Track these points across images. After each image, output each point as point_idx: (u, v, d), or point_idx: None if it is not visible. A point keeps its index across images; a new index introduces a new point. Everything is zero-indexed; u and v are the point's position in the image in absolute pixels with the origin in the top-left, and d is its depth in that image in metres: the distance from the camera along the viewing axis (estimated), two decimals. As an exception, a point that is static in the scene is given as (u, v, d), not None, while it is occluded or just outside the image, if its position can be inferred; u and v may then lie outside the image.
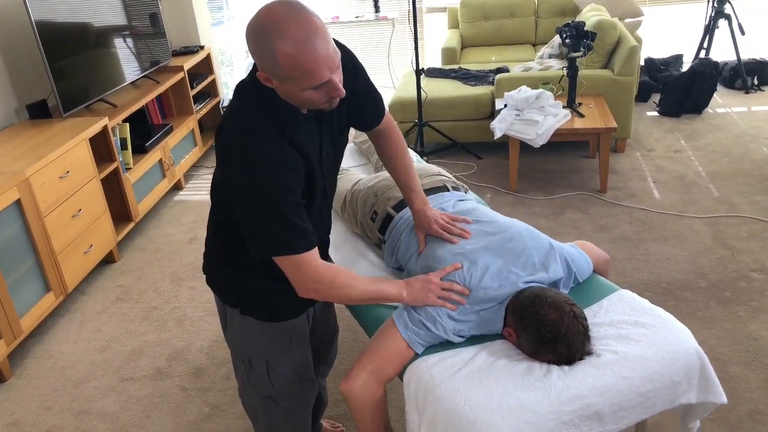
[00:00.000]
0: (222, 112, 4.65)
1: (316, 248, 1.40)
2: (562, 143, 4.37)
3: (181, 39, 4.82)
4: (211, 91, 4.90)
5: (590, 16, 4.36)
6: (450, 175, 2.13)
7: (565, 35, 3.65)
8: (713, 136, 4.35)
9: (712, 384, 1.51)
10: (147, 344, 2.72)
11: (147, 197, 3.71)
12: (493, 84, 4.28)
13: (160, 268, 3.31)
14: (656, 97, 5.02)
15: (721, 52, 5.31)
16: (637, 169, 3.95)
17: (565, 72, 3.84)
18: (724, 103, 4.94)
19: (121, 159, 3.43)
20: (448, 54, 5.15)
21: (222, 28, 6.26)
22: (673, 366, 1.45)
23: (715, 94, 4.92)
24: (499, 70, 4.58)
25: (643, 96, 5.05)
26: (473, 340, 1.59)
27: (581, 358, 1.46)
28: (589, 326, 1.52)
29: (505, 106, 3.78)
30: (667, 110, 4.76)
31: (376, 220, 1.97)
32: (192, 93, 4.42)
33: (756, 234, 3.14)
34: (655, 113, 4.85)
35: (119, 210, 3.49)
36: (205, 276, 1.64)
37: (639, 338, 1.49)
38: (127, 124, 3.54)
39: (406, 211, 1.90)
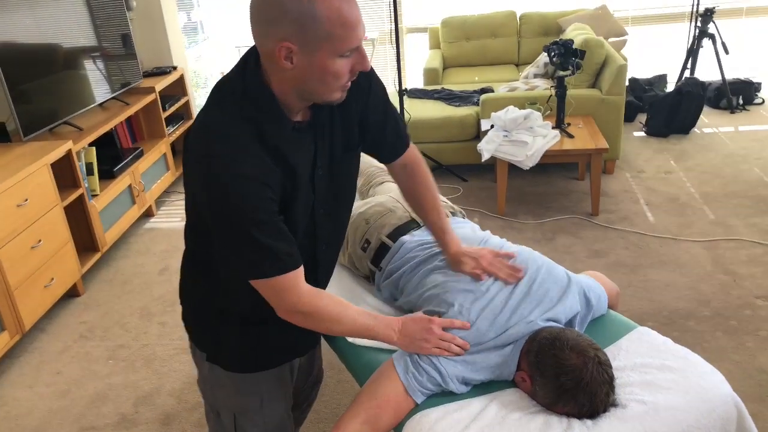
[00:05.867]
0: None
1: (300, 270, 1.20)
2: (550, 165, 4.24)
3: (153, 60, 4.62)
4: (185, 113, 4.69)
5: (576, 34, 4.27)
6: (446, 200, 1.97)
7: (553, 53, 3.54)
8: (703, 157, 4.25)
9: (751, 436, 1.34)
10: (112, 387, 2.48)
11: (115, 225, 3.47)
12: (478, 104, 4.15)
13: (128, 302, 3.08)
14: (642, 117, 4.94)
15: (705, 72, 5.26)
16: (628, 191, 3.83)
17: (553, 91, 3.72)
18: (710, 123, 4.87)
19: (86, 185, 3.20)
20: (430, 74, 5.03)
21: (197, 49, 6.09)
22: (709, 417, 1.27)
23: (701, 115, 4.85)
24: (483, 91, 4.46)
25: (628, 116, 4.96)
26: (481, 388, 1.40)
27: (605, 411, 1.28)
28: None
29: (492, 126, 3.65)
30: (655, 130, 4.66)
31: (368, 250, 1.78)
32: (164, 115, 4.21)
33: (756, 258, 3.01)
34: (642, 133, 4.75)
35: (84, 239, 3.25)
36: (181, 307, 1.44)
37: (668, 385, 1.31)
38: (94, 148, 3.32)
39: (409, 242, 1.71)
